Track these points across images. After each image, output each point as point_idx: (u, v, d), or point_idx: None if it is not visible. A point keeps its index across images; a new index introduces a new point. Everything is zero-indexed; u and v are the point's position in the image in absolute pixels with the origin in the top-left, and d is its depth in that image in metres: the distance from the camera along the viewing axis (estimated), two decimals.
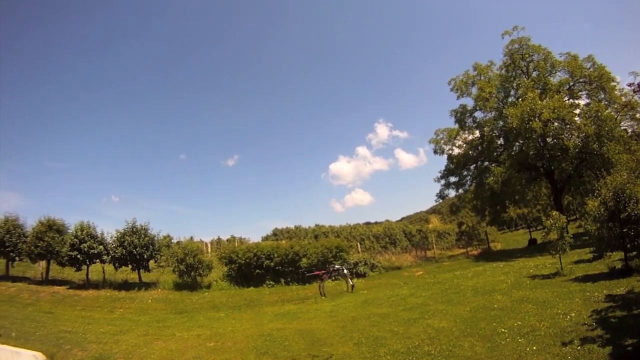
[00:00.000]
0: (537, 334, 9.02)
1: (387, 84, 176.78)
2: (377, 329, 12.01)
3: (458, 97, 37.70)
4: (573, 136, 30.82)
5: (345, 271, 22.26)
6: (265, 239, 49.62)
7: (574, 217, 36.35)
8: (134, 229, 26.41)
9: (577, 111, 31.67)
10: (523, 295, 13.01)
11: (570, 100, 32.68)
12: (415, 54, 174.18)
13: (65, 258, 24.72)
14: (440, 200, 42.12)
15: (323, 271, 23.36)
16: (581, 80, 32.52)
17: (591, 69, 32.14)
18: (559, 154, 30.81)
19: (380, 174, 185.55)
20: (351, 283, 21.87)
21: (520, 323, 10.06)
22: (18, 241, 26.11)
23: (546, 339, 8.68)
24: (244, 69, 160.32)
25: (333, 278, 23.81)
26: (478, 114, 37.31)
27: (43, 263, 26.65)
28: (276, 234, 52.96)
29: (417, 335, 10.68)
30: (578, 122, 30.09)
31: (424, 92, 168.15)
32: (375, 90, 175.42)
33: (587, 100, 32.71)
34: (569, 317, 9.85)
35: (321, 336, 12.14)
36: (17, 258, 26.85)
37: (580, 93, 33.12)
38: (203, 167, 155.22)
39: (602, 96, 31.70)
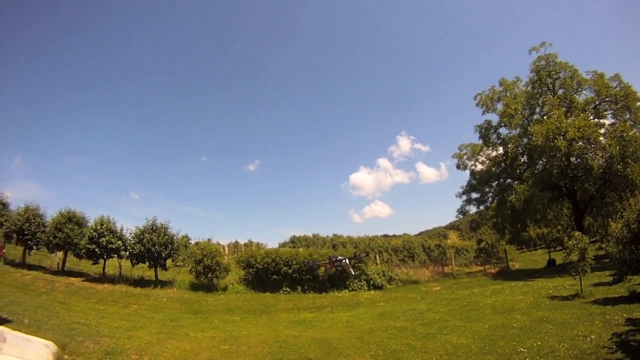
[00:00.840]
0: (557, 355, 8.97)
1: (410, 97, 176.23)
2: (395, 342, 12.04)
3: (483, 113, 37.45)
4: (597, 156, 30.37)
5: (346, 261, 22.03)
6: (283, 245, 49.68)
7: (594, 239, 35.75)
8: (154, 227, 26.82)
9: (602, 131, 31.22)
10: (542, 316, 12.90)
11: (596, 119, 32.23)
12: (441, 68, 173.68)
13: (83, 250, 25.24)
14: (461, 216, 41.78)
15: (327, 261, 23.10)
16: (607, 99, 31.97)
17: (617, 88, 31.52)
18: (582, 173, 30.35)
19: (401, 186, 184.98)
20: (353, 273, 21.98)
21: (539, 343, 10.00)
22: (37, 230, 26.96)
23: None
24: (269, 75, 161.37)
25: (335, 269, 23.55)
26: (503, 130, 36.95)
27: (60, 254, 27.28)
28: (294, 241, 53.03)
29: (435, 351, 10.69)
30: (603, 142, 29.68)
31: (446, 106, 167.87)
32: (398, 103, 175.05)
33: (613, 120, 32.21)
34: (589, 339, 9.75)
35: (337, 346, 12.23)
36: (34, 247, 27.75)
37: (605, 112, 32.55)
38: (223, 170, 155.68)
39: (628, 116, 30.99)
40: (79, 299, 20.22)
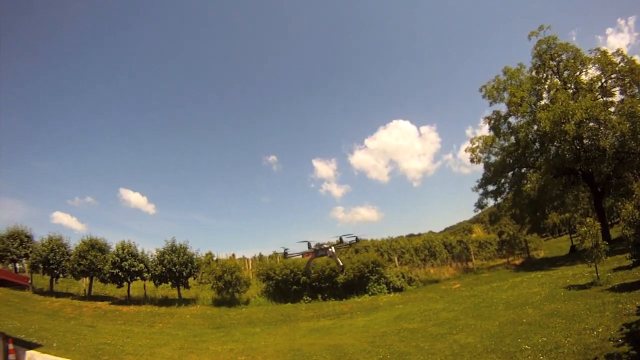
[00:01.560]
0: (560, 352, 8.89)
1: (430, 90, 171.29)
2: (404, 345, 12.11)
3: (490, 104, 36.76)
4: (609, 136, 29.63)
5: (332, 249, 21.28)
6: (307, 254, 49.67)
7: (617, 220, 34.89)
8: (173, 248, 27.50)
9: (612, 109, 30.51)
10: (554, 309, 12.74)
11: (604, 98, 31.54)
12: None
13: (107, 275, 26.18)
14: (480, 210, 41.37)
15: (311, 251, 22.25)
16: (613, 76, 31.16)
17: (622, 64, 30.72)
18: (596, 155, 29.65)
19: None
20: (341, 264, 21.33)
21: (545, 339, 9.91)
22: (62, 259, 28.00)
23: (568, 357, 8.56)
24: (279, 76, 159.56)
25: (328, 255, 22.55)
26: (512, 120, 36.31)
27: (86, 280, 28.34)
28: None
29: (441, 352, 10.73)
30: (614, 120, 29.01)
31: (453, 91, 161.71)
32: (423, 97, 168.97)
33: (622, 97, 31.46)
34: (596, 332, 9.60)
35: (348, 351, 12.37)
36: (61, 275, 28.68)
37: (613, 89, 31.81)
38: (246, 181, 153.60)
39: (637, 91, 30.29)
40: (106, 322, 20.94)
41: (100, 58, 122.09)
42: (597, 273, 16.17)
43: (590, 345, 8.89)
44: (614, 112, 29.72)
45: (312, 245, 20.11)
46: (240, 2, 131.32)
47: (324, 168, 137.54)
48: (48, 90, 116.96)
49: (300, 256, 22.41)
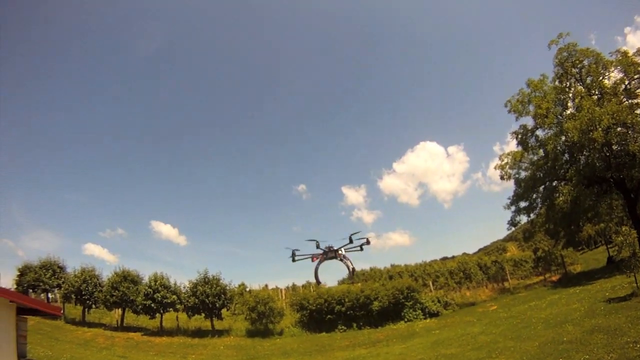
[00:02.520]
0: None
1: (455, 109, 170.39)
2: None
3: (517, 118, 36.08)
4: (638, 139, 29.01)
5: (343, 251, 20.17)
6: (342, 282, 49.77)
7: None
8: (206, 279, 28.12)
9: (639, 110, 29.93)
10: (595, 324, 12.34)
11: (629, 100, 30.96)
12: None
13: (140, 307, 27.01)
14: (513, 228, 40.55)
15: (320, 253, 21.14)
16: (636, 77, 30.47)
17: None
18: (627, 160, 28.97)
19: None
20: (352, 266, 20.35)
21: (587, 357, 9.57)
22: (94, 290, 28.97)
23: None
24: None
25: (338, 258, 21.49)
26: (540, 132, 35.81)
27: (118, 311, 29.19)
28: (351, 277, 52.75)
29: None
30: None
31: (478, 109, 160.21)
32: (448, 117, 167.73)
33: None
34: (639, 345, 9.37)
35: None
36: (93, 305, 29.65)
37: (638, 90, 31.17)
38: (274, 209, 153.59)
39: None
40: (138, 352, 21.24)
41: (131, 91, 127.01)
42: (636, 283, 15.54)
43: (634, 359, 8.65)
44: None
45: (321, 246, 19.38)
46: (261, 31, 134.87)
47: (353, 195, 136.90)
48: (81, 123, 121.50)
49: (310, 259, 21.90)
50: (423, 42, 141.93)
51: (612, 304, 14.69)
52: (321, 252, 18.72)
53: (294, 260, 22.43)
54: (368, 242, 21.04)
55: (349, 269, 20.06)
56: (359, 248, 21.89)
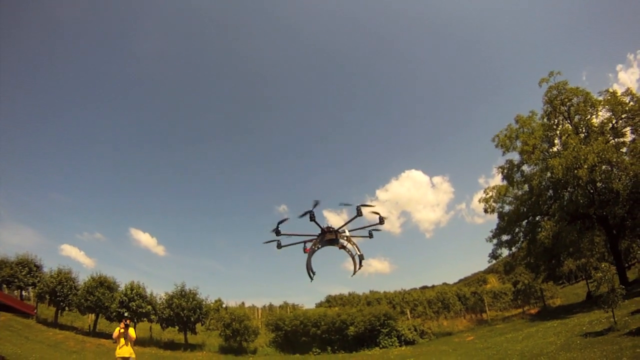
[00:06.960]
0: None
1: (442, 139, 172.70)
2: None
3: (504, 153, 36.70)
4: (622, 177, 29.36)
5: (347, 233, 14.15)
6: (319, 305, 49.48)
7: (634, 261, 33.94)
8: (183, 292, 27.72)
9: (625, 149, 30.38)
10: (569, 358, 12.22)
11: (615, 139, 31.46)
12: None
13: (114, 314, 26.38)
14: (494, 261, 40.59)
15: (316, 238, 14.40)
16: (623, 116, 31.15)
17: (631, 103, 30.78)
18: (610, 197, 29.18)
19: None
20: (360, 252, 13.30)
21: None
22: (69, 293, 28.17)
23: None
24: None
25: (339, 246, 14.35)
26: (526, 168, 36.16)
27: (92, 316, 28.22)
28: (329, 300, 52.47)
29: None
30: (627, 160, 28.80)
31: (465, 140, 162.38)
32: (435, 147, 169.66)
33: (633, 136, 31.34)
34: None
35: None
36: (66, 308, 28.87)
37: (624, 130, 31.74)
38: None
39: None
40: (108, 359, 20.36)
41: (122, 98, 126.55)
42: (614, 318, 15.60)
43: None
44: (626, 153, 29.60)
45: (317, 222, 13.77)
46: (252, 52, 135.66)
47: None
48: (70, 125, 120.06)
49: (303, 249, 14.88)
50: (413, 72, 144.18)
51: (589, 339, 14.66)
52: (318, 238, 12.30)
53: (279, 247, 14.82)
54: (382, 221, 14.31)
55: (354, 258, 13.55)
56: (367, 234, 14.90)
